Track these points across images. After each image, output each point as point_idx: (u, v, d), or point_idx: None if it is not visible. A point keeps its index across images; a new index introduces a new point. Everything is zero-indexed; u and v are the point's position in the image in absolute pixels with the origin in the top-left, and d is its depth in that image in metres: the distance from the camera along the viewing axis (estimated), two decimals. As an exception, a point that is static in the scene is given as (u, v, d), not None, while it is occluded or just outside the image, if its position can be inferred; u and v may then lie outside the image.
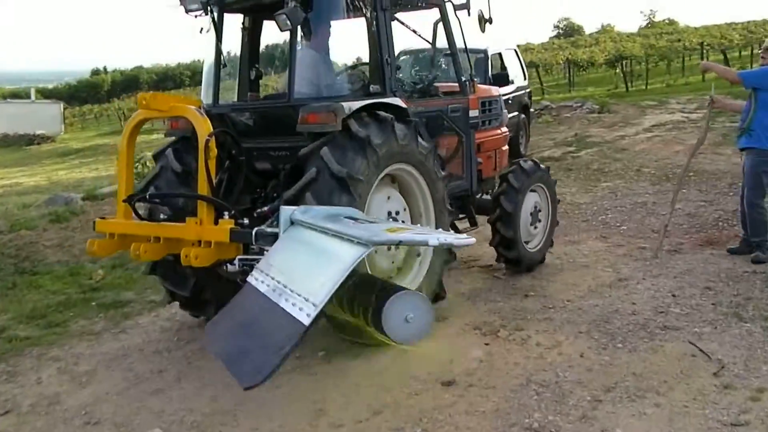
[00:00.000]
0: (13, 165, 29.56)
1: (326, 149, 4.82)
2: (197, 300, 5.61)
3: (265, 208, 5.15)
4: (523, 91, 14.07)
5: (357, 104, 5.03)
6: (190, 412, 4.40)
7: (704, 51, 31.75)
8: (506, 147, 7.38)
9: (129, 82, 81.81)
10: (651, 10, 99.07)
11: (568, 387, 4.35)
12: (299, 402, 4.40)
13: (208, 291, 5.51)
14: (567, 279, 6.52)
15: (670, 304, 5.68)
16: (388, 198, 5.39)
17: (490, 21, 6.08)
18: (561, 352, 4.88)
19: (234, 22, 6.02)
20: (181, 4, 5.63)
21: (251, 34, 6.09)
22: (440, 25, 6.20)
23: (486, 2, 6.07)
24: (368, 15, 5.37)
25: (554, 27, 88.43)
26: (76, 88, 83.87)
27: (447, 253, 5.67)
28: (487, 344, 5.09)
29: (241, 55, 6.09)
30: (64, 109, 50.07)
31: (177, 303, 5.82)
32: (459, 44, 6.27)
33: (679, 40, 35.38)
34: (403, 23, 5.93)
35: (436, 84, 6.29)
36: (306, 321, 3.41)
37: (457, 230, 6.10)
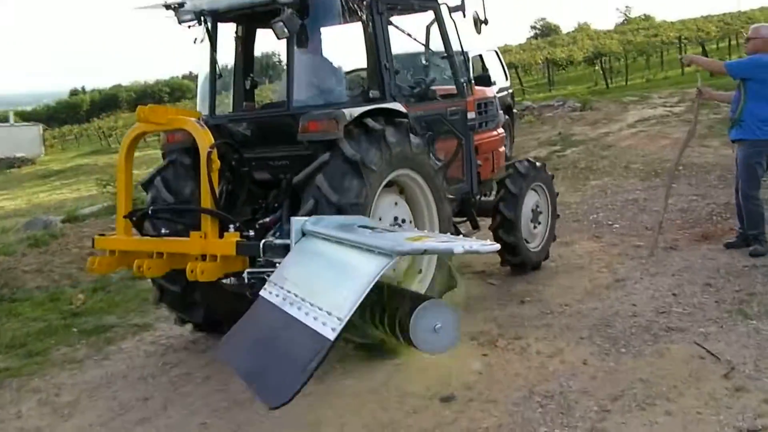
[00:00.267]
0: (-7, 189, 29.15)
1: (343, 140, 4.76)
2: (210, 322, 5.61)
3: (267, 219, 5.12)
4: (505, 92, 14.09)
5: (358, 110, 4.92)
6: (178, 443, 4.18)
7: (682, 44, 31.82)
8: (503, 148, 7.30)
9: (108, 102, 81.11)
10: (627, 7, 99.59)
11: (574, 397, 4.16)
12: (293, 426, 4.18)
13: (220, 311, 5.42)
14: (563, 282, 6.36)
15: (672, 303, 5.52)
16: (395, 204, 5.31)
17: (485, 22, 6.08)
18: (563, 360, 4.70)
19: (227, 32, 5.91)
20: (175, 14, 5.56)
21: (245, 44, 6.02)
22: (435, 28, 6.10)
23: (481, 3, 6.06)
24: (364, 19, 5.28)
25: (531, 27, 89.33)
26: (55, 110, 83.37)
27: (450, 278, 5.48)
28: (485, 355, 4.90)
29: (235, 64, 6.00)
30: (44, 130, 50.20)
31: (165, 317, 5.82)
32: (455, 46, 6.18)
33: (657, 35, 35.44)
34: (397, 27, 5.80)
35: (433, 87, 6.17)
36: (331, 336, 3.24)
37: (458, 232, 6.00)
